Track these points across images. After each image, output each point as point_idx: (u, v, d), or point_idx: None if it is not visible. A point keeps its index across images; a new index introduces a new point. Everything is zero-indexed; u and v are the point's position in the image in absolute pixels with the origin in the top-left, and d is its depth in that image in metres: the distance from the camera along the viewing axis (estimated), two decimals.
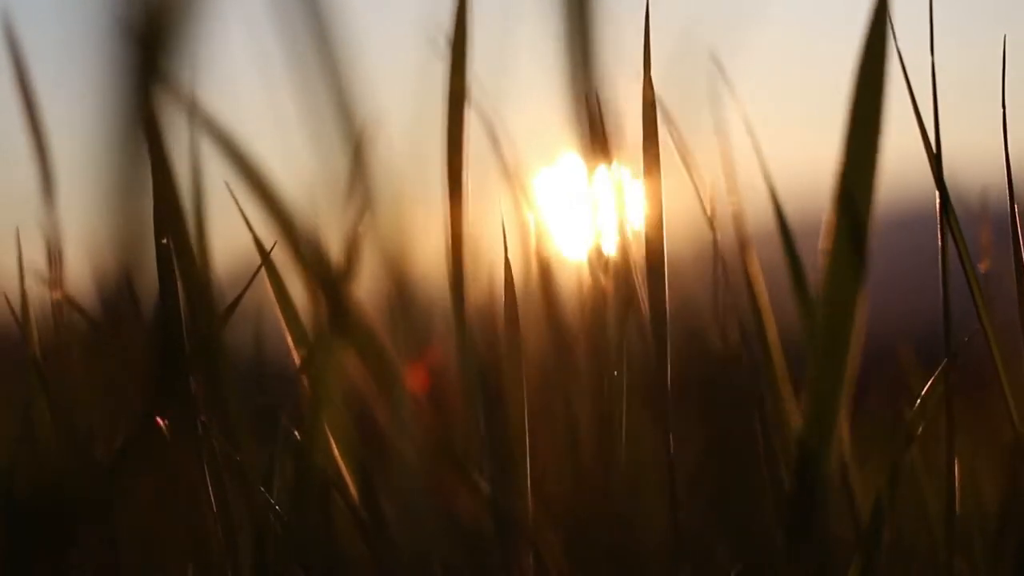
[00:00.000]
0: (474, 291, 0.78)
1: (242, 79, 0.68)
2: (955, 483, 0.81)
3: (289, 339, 0.83)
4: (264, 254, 0.83)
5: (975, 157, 0.97)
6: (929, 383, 0.81)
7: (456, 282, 0.75)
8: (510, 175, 0.80)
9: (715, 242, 0.83)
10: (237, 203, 0.81)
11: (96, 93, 0.51)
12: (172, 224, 0.75)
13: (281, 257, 0.83)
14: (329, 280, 0.67)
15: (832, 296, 0.69)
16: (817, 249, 0.69)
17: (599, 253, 0.79)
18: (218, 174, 0.75)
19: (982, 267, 0.93)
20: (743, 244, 0.77)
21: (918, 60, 0.79)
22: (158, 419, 0.76)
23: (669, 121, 0.80)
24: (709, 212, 0.82)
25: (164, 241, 0.76)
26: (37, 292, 0.88)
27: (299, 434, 0.83)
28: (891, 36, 0.67)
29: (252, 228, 0.84)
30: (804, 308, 0.82)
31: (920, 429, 0.82)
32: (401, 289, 0.65)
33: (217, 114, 0.69)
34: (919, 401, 0.81)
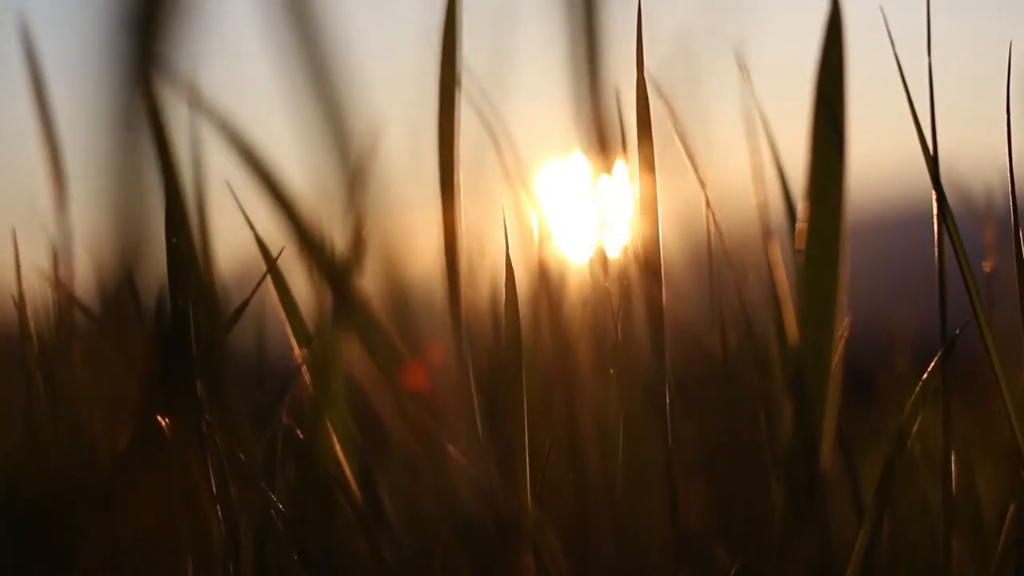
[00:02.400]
0: (474, 291, 0.78)
1: (244, 71, 0.68)
2: (952, 476, 0.81)
3: (291, 335, 0.83)
4: (267, 253, 0.84)
5: (980, 157, 0.97)
6: (926, 373, 0.81)
7: (451, 281, 0.75)
8: (512, 175, 0.80)
9: (714, 240, 0.83)
10: (237, 201, 0.81)
11: (99, 86, 0.51)
12: (178, 222, 0.75)
13: (285, 253, 0.84)
14: (334, 272, 0.67)
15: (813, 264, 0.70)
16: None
17: (601, 253, 0.79)
18: (221, 173, 0.75)
19: (986, 266, 0.93)
20: (766, 233, 0.77)
21: (916, 61, 0.79)
22: (161, 418, 0.76)
23: (673, 117, 0.80)
24: (711, 210, 0.82)
25: (173, 237, 0.76)
26: (40, 290, 0.88)
27: (301, 430, 0.83)
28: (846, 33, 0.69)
29: (254, 228, 0.84)
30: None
31: (918, 420, 0.82)
32: (401, 287, 0.66)
33: (221, 107, 0.70)
34: (917, 388, 0.81)
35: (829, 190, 0.70)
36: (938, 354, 0.81)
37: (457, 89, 0.76)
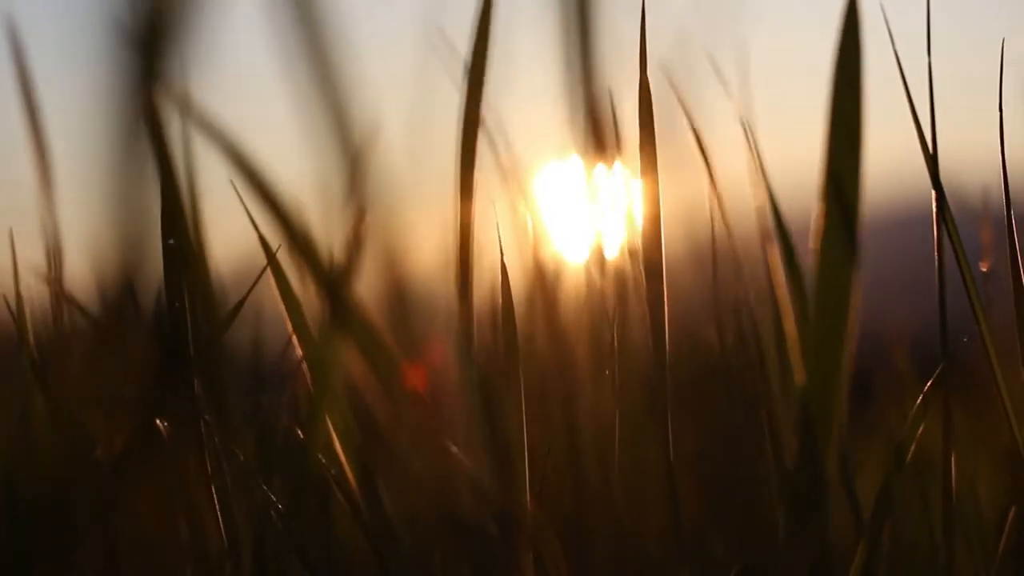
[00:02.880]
0: (472, 291, 0.78)
1: (241, 79, 0.68)
2: (952, 479, 0.81)
3: (293, 335, 0.83)
4: (268, 252, 0.84)
5: (976, 157, 0.97)
6: (927, 385, 0.81)
7: (463, 286, 0.75)
8: (508, 175, 0.80)
9: (716, 239, 0.83)
10: (243, 202, 0.81)
11: (96, 92, 0.51)
12: (175, 224, 0.76)
13: (283, 255, 0.84)
14: (330, 276, 0.67)
15: (825, 280, 0.70)
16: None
17: (599, 254, 0.79)
18: (218, 174, 0.75)
19: (983, 267, 0.93)
20: (764, 235, 0.77)
21: (916, 61, 0.79)
22: (159, 419, 0.76)
23: (671, 118, 0.80)
24: (713, 209, 0.82)
25: (171, 241, 0.76)
26: (36, 291, 0.88)
27: (300, 431, 0.83)
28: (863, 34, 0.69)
29: (257, 227, 0.84)
30: (799, 300, 0.82)
31: (919, 429, 0.82)
32: (399, 288, 0.65)
33: (216, 114, 0.70)
34: (919, 402, 0.81)
35: (844, 192, 0.70)
36: (940, 366, 0.80)
37: (481, 114, 0.77)
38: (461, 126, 0.78)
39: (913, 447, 0.82)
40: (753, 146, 0.83)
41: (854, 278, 0.71)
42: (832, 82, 0.70)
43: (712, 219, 0.82)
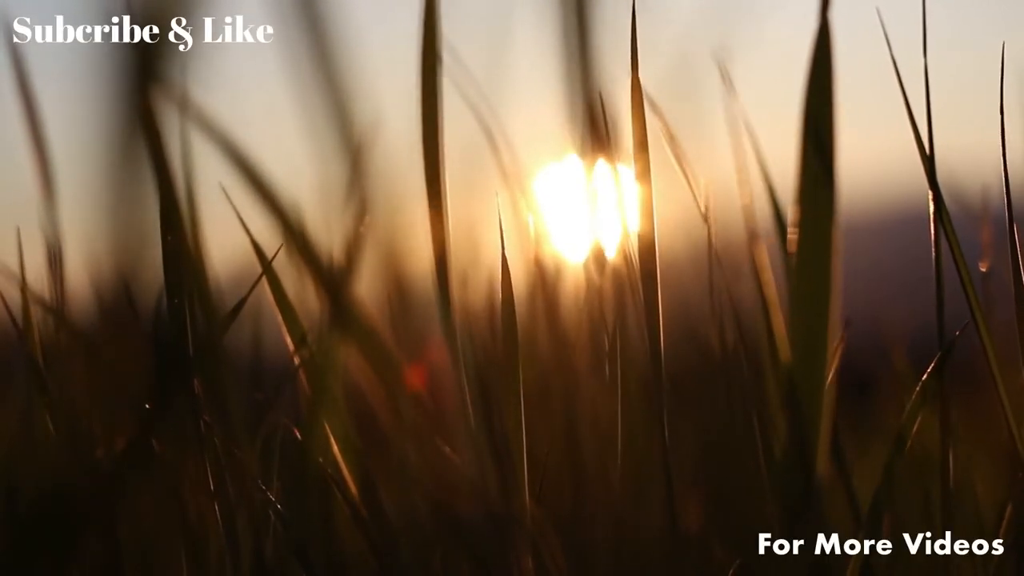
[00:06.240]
0: (470, 291, 0.79)
1: (241, 80, 0.68)
2: (950, 477, 0.81)
3: (288, 338, 0.83)
4: (262, 256, 0.84)
5: (974, 158, 0.97)
6: (925, 375, 0.82)
7: (441, 282, 0.75)
8: (508, 176, 0.80)
9: (711, 240, 0.83)
10: (234, 206, 0.81)
11: (95, 93, 0.51)
12: (173, 225, 0.76)
13: (281, 257, 0.84)
14: (330, 277, 0.67)
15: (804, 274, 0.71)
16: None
17: (598, 254, 0.79)
18: (217, 175, 0.75)
19: (982, 267, 0.93)
20: (751, 236, 0.77)
21: (913, 61, 0.80)
22: (159, 419, 0.76)
23: (666, 120, 0.80)
24: (705, 210, 0.82)
25: (169, 240, 0.76)
26: (37, 293, 0.89)
27: (298, 432, 0.83)
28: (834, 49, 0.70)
29: (249, 232, 0.84)
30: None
31: (916, 424, 0.82)
32: (400, 288, 0.66)
33: (216, 115, 0.70)
34: (916, 392, 0.81)
35: (819, 195, 0.71)
36: (936, 357, 0.81)
37: (439, 79, 0.76)
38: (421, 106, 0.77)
39: (911, 440, 0.82)
40: (752, 144, 0.83)
41: (832, 286, 0.71)
42: (806, 87, 0.71)
43: (706, 218, 0.83)
